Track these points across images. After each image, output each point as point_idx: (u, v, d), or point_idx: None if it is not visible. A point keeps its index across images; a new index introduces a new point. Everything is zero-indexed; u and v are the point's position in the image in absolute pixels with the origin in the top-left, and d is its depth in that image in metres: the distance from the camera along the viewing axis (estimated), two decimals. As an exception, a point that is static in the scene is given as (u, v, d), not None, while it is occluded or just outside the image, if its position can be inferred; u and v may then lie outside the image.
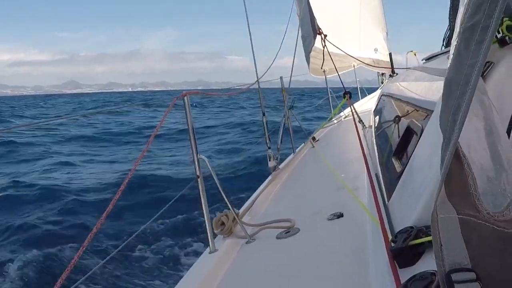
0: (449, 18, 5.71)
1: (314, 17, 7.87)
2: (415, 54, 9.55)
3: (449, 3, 5.65)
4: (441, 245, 0.94)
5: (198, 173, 3.08)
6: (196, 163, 3.09)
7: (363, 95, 10.79)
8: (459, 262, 0.94)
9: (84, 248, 2.19)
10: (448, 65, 1.16)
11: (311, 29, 7.96)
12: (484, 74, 1.78)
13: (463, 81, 1.01)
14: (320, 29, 8.00)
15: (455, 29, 1.21)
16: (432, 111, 2.39)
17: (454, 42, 1.16)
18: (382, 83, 10.62)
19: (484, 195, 1.00)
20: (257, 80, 5.26)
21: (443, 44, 5.90)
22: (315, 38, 7.99)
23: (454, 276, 0.92)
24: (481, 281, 0.93)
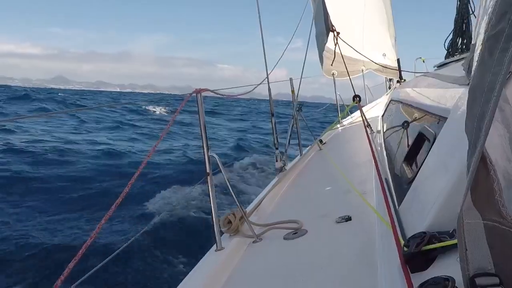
0: (454, 24, 5.72)
1: (328, 14, 7.87)
2: (423, 61, 9.56)
3: (455, 11, 5.66)
4: (466, 249, 0.94)
5: (208, 170, 3.08)
6: (207, 160, 3.09)
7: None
8: (483, 266, 0.94)
9: (87, 245, 2.18)
10: (472, 72, 1.17)
11: (324, 26, 7.97)
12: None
13: (487, 88, 1.01)
14: (334, 26, 8.02)
15: (478, 37, 1.22)
16: (446, 117, 2.39)
17: (477, 50, 1.16)
18: (389, 88, 10.62)
19: (509, 201, 1.00)
20: (267, 78, 5.25)
21: (446, 49, 5.90)
22: (328, 35, 8.00)
23: (478, 280, 0.93)
24: (504, 286, 0.94)
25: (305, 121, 6.27)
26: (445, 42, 5.89)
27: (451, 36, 5.80)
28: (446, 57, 5.85)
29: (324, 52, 8.44)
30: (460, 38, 5.64)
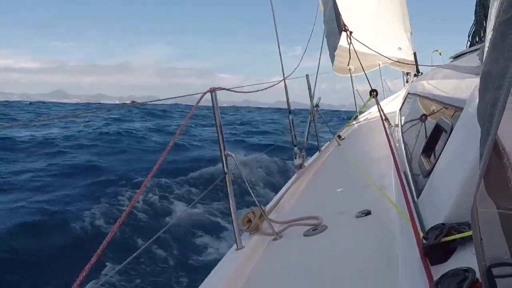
0: (475, 15, 5.65)
1: (339, 14, 7.85)
2: (440, 54, 9.45)
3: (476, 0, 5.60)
4: (481, 239, 0.93)
5: (225, 170, 3.08)
6: (224, 159, 3.09)
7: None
8: (500, 256, 0.93)
9: (107, 242, 2.19)
10: (483, 58, 1.15)
11: (336, 26, 7.94)
12: None
13: (499, 74, 0.99)
14: (346, 26, 7.98)
15: (489, 23, 1.20)
16: (462, 108, 2.36)
17: (488, 36, 1.14)
18: (406, 82, 10.53)
19: None
20: (284, 79, 5.26)
21: (468, 40, 5.84)
22: (340, 35, 7.98)
23: (495, 271, 0.92)
24: None
25: (323, 117, 6.25)
26: (469, 33, 5.82)
27: (474, 28, 5.74)
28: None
29: (337, 51, 8.41)
30: (482, 30, 5.58)
